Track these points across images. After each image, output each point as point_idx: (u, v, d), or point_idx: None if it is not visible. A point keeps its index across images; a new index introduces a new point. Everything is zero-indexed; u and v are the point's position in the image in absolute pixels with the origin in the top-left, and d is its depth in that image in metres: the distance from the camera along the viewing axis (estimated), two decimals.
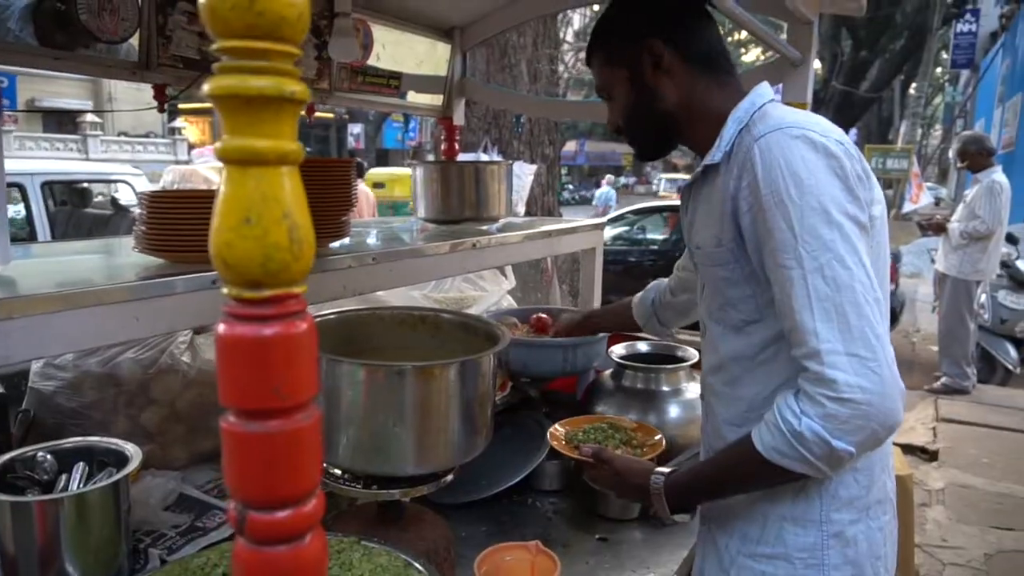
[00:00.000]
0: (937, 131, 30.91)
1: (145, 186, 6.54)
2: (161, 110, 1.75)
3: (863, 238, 1.00)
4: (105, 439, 1.22)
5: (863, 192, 1.03)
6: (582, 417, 1.61)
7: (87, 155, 17.66)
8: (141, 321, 1.04)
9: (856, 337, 0.94)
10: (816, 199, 0.97)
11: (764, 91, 1.17)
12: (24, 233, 5.51)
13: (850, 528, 1.11)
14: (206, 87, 0.47)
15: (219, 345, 0.49)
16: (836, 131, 1.05)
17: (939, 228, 5.70)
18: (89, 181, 6.69)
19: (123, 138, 20.19)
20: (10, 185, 5.61)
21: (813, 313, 0.96)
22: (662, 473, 1.18)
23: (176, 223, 1.14)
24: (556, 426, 1.59)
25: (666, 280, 1.74)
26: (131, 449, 1.19)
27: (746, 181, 1.04)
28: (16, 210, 5.72)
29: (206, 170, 6.44)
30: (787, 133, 1.02)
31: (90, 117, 18.94)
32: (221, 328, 0.49)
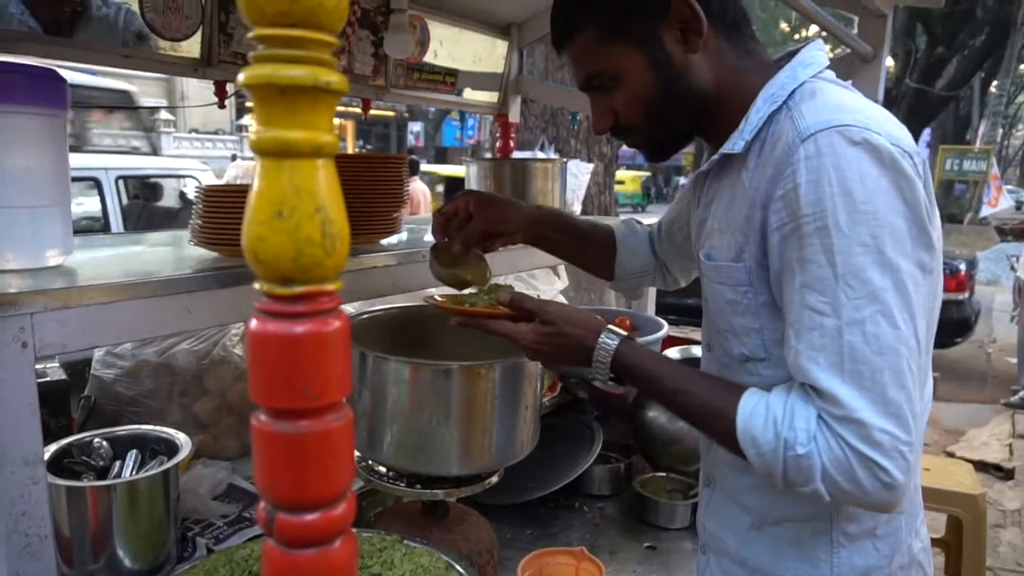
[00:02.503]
0: (1019, 131, 29.34)
1: (210, 181, 6.76)
2: (222, 106, 1.78)
3: (923, 285, 0.81)
4: (157, 428, 1.25)
5: (931, 221, 0.82)
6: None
7: (160, 151, 18.41)
8: (193, 313, 1.05)
9: (893, 413, 0.78)
10: (870, 232, 0.77)
11: (812, 58, 0.91)
12: (99, 225, 5.77)
13: None
14: (240, 77, 0.45)
15: (250, 342, 0.48)
16: (904, 134, 0.83)
17: (1022, 233, 5.39)
18: (159, 176, 6.96)
19: (193, 135, 20.99)
20: (86, 179, 5.90)
21: (842, 374, 0.78)
22: (617, 334, 0.97)
23: (231, 217, 1.15)
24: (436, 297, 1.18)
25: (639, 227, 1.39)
26: (182, 439, 1.21)
27: (783, 189, 0.83)
28: (92, 203, 5.99)
29: None
30: (845, 134, 0.79)
31: (164, 115, 19.75)
32: (252, 324, 0.48)
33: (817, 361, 0.80)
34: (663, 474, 1.87)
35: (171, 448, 1.20)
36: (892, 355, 0.78)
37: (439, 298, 1.15)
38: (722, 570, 1.07)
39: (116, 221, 5.87)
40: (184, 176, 6.99)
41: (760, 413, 0.84)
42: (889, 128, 0.82)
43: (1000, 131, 21.47)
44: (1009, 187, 13.28)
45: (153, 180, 6.88)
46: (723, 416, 0.87)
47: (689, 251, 1.27)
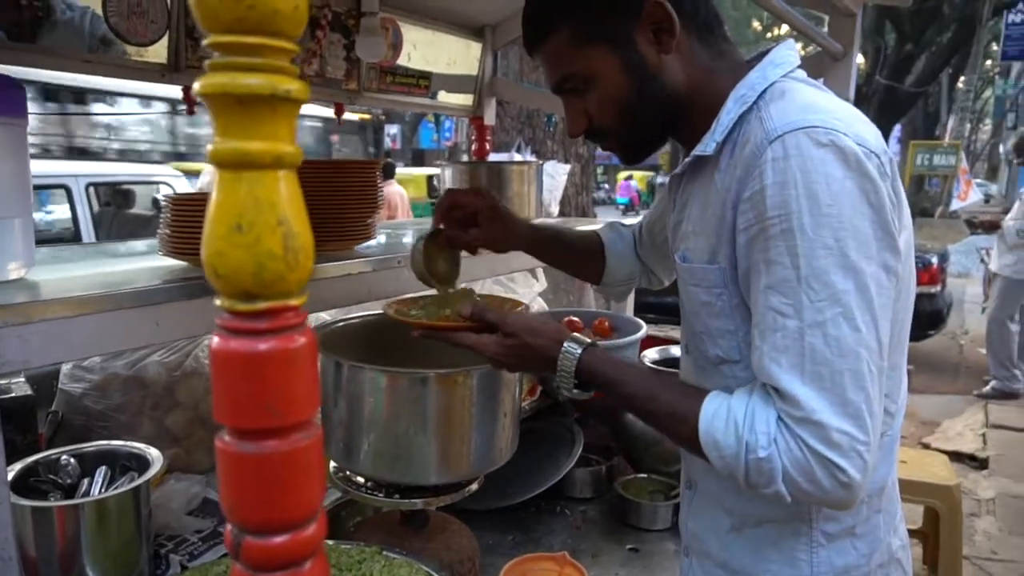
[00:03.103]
0: (987, 126, 29.93)
1: (184, 188, 6.66)
2: (191, 112, 1.75)
3: (886, 288, 0.81)
4: (128, 443, 1.22)
5: (896, 223, 0.82)
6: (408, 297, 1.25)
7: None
8: (161, 326, 1.03)
9: (851, 414, 0.78)
10: (834, 235, 0.78)
11: (782, 59, 0.91)
12: (69, 234, 5.66)
13: None
14: (196, 86, 0.44)
15: (212, 360, 0.47)
16: (871, 132, 0.83)
17: (992, 226, 5.49)
18: (131, 183, 6.85)
19: None
20: (56, 187, 5.79)
21: (803, 376, 0.79)
22: (580, 343, 0.97)
23: (199, 226, 1.12)
24: (392, 304, 1.19)
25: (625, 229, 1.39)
26: (153, 454, 1.18)
27: (750, 191, 0.83)
28: (62, 210, 5.88)
29: None
30: (812, 136, 0.79)
31: None
32: (214, 342, 0.46)
33: (779, 362, 0.81)
34: (644, 475, 1.87)
35: (142, 463, 1.17)
36: (852, 357, 0.79)
37: (395, 306, 1.16)
38: (704, 572, 1.07)
39: (87, 229, 5.76)
40: (157, 183, 6.88)
41: (721, 416, 0.85)
42: (857, 128, 0.81)
43: (968, 126, 21.88)
44: (978, 180, 13.54)
45: (125, 187, 6.77)
46: (685, 420, 0.88)
47: (669, 253, 1.28)
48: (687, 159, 0.96)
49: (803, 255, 0.78)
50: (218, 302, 0.46)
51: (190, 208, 1.17)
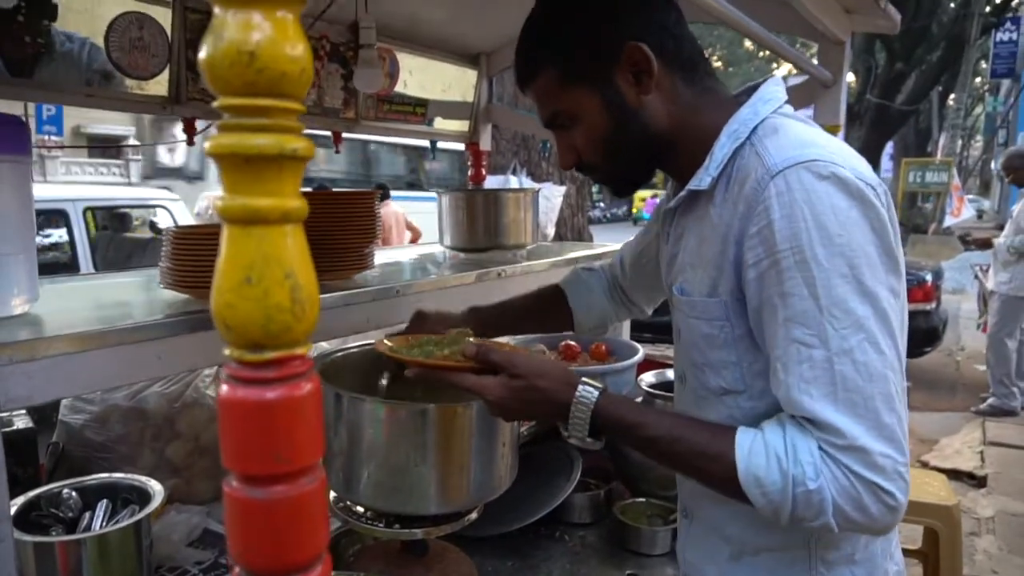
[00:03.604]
0: (978, 142, 30.22)
1: (182, 211, 6.68)
2: (191, 143, 1.77)
3: (896, 310, 0.83)
4: (129, 476, 1.23)
5: (896, 247, 0.85)
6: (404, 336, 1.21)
7: (129, 180, 18.18)
8: (163, 360, 1.04)
9: (887, 437, 0.79)
10: (848, 263, 0.80)
11: (771, 95, 0.94)
12: (66, 257, 5.67)
13: None
14: (206, 146, 0.46)
15: (221, 407, 0.48)
16: (864, 166, 0.86)
17: (985, 244, 5.54)
18: (129, 206, 6.87)
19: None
20: (54, 212, 5.80)
21: (836, 404, 0.79)
22: (595, 387, 0.94)
23: (200, 260, 1.14)
24: (384, 341, 1.15)
25: (597, 266, 1.42)
26: (154, 486, 1.19)
27: (756, 226, 0.84)
28: (59, 234, 5.90)
29: None
30: (813, 170, 0.81)
31: (133, 143, 19.55)
32: (223, 390, 0.48)
33: (810, 393, 0.81)
34: (643, 499, 1.87)
35: (143, 496, 1.18)
36: (881, 381, 0.80)
37: (388, 342, 1.13)
38: None
39: (84, 253, 5.78)
40: (154, 206, 6.91)
41: (759, 452, 0.84)
42: (852, 162, 0.84)
43: (960, 143, 22.11)
44: (970, 197, 13.66)
45: (122, 210, 6.78)
46: (718, 459, 0.86)
47: (657, 281, 1.29)
48: (681, 193, 0.98)
49: (820, 285, 0.80)
50: (227, 351, 0.48)
51: (191, 241, 1.18)
